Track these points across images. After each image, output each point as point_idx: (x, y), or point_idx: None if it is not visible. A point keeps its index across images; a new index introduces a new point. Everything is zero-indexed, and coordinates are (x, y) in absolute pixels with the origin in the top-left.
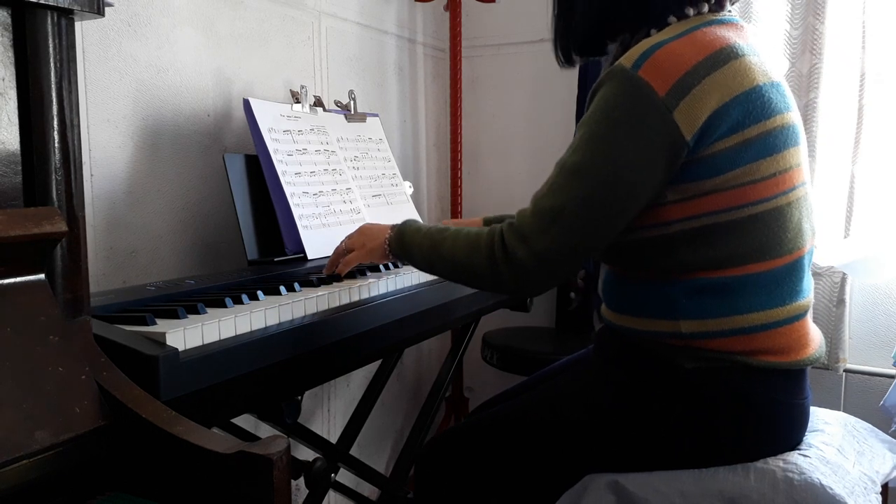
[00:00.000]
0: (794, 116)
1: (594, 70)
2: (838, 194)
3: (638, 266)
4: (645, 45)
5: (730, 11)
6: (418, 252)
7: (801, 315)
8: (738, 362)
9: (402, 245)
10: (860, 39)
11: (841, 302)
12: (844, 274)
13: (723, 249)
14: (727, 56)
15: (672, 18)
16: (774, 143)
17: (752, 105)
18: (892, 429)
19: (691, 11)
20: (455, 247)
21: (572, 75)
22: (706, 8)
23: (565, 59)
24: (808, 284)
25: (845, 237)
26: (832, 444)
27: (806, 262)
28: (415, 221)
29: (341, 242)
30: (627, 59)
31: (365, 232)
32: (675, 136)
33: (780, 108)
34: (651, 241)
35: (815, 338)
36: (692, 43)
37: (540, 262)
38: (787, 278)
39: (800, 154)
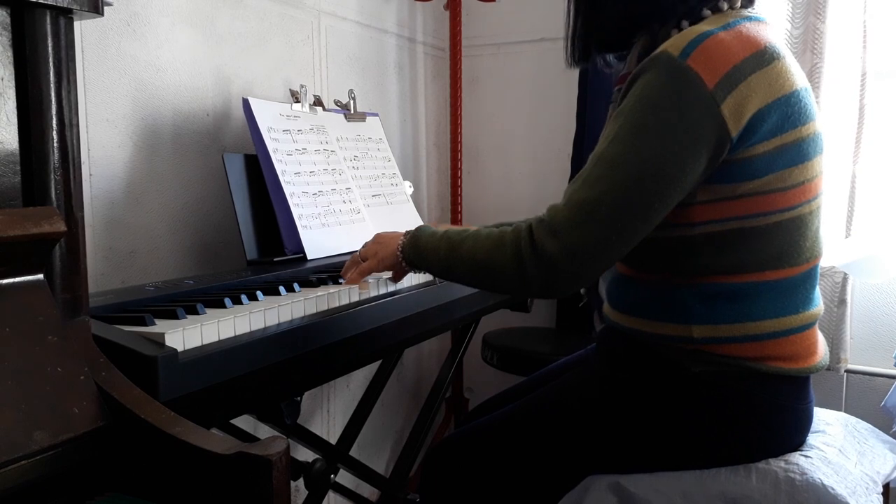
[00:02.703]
0: (821, 124)
1: (595, 69)
2: (839, 194)
3: (653, 267)
4: (691, 33)
5: (754, 11)
6: (434, 256)
7: (811, 324)
8: (746, 367)
9: (416, 250)
10: (861, 39)
11: (842, 302)
12: (845, 274)
13: (743, 255)
14: (771, 56)
15: (707, 11)
16: (807, 150)
17: (791, 109)
18: (894, 429)
19: (725, 6)
20: (476, 246)
21: (572, 75)
22: (738, 3)
23: (582, 56)
24: (819, 293)
25: (846, 237)
26: (834, 445)
27: (818, 271)
28: (429, 227)
29: (357, 252)
30: (674, 48)
31: (378, 240)
32: (722, 130)
33: (813, 114)
34: (672, 241)
35: (822, 345)
36: (738, 37)
37: (571, 259)
38: (802, 286)
39: (822, 163)
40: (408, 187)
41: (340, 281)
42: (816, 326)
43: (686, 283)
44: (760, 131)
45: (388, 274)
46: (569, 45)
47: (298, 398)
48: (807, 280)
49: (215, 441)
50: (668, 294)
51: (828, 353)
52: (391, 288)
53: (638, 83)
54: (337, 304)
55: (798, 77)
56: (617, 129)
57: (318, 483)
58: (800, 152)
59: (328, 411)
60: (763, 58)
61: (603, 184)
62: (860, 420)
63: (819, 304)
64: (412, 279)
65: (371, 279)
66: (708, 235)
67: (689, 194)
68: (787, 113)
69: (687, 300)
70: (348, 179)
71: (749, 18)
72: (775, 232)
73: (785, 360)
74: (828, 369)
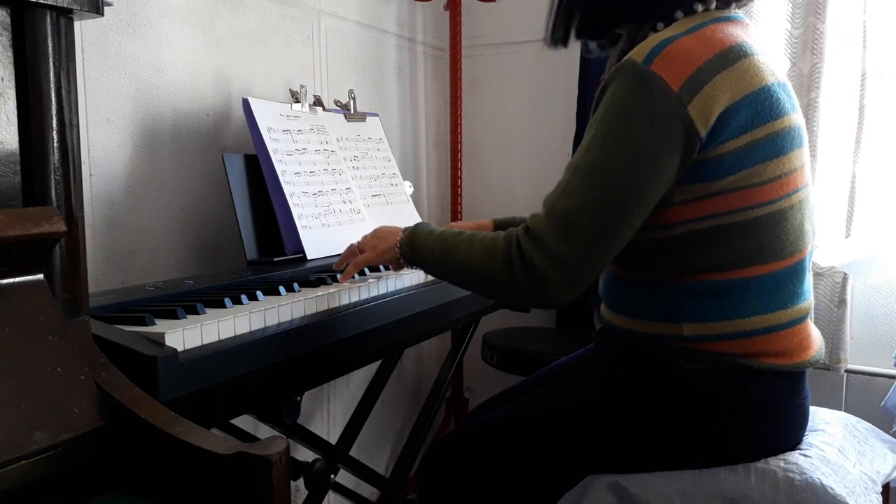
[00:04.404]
0: (798, 118)
1: (595, 69)
2: (839, 194)
3: (640, 267)
4: (655, 39)
5: (736, 11)
6: (429, 256)
7: (802, 318)
8: (739, 364)
9: (413, 247)
10: (861, 39)
11: (842, 302)
12: (845, 274)
13: (725, 252)
14: (737, 54)
15: (679, 13)
16: (781, 144)
17: (761, 105)
18: (893, 429)
19: (699, 7)
20: (470, 252)
21: (572, 75)
22: (713, 4)
23: (561, 38)
24: (809, 287)
25: (846, 237)
26: (833, 445)
27: (807, 264)
28: (428, 224)
29: (355, 243)
30: (638, 55)
31: (378, 234)
32: (690, 130)
33: (787, 108)
34: (654, 242)
35: (816, 340)
36: (702, 39)
37: (560, 269)
38: (789, 281)
39: (803, 156)
40: (408, 187)
41: (338, 276)
42: (808, 321)
43: (673, 281)
44: (730, 129)
45: (390, 273)
46: (550, 24)
47: (298, 398)
48: (794, 275)
49: (215, 441)
50: (657, 293)
51: (823, 347)
52: (391, 287)
53: (607, 92)
54: (337, 304)
55: (769, 73)
56: (590, 138)
57: (318, 483)
58: (773, 147)
59: (328, 411)
60: (728, 57)
61: (581, 193)
62: (860, 420)
63: (809, 298)
64: (413, 279)
65: (371, 279)
66: (688, 234)
67: (665, 196)
68: (756, 109)
69: (676, 299)
70: (348, 179)
71: (719, 19)
72: (755, 227)
73: (777, 356)
74: (828, 369)
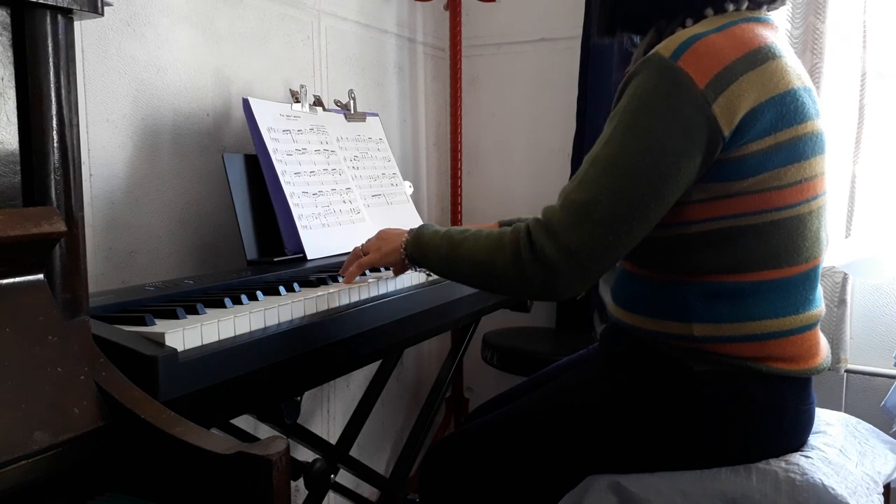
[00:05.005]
0: (822, 124)
1: (595, 69)
2: (839, 194)
3: (653, 265)
4: (683, 35)
5: (767, 13)
6: (435, 254)
7: (812, 325)
8: (747, 367)
9: (419, 247)
10: (861, 39)
11: (842, 302)
12: (845, 274)
13: (740, 254)
14: (765, 56)
15: (709, 10)
16: (803, 149)
17: (786, 108)
18: (894, 429)
19: (730, 6)
20: (476, 247)
21: (572, 75)
22: (745, 5)
23: (605, 30)
24: (820, 294)
25: (846, 237)
26: (834, 445)
27: (819, 271)
28: (433, 225)
29: (359, 245)
30: (665, 49)
31: (382, 236)
32: (714, 129)
33: (812, 114)
34: (670, 239)
35: (824, 348)
36: (731, 38)
37: (570, 260)
38: (801, 287)
39: (824, 163)
40: (408, 187)
41: (339, 278)
42: (818, 328)
43: (686, 280)
44: (754, 130)
45: (390, 273)
46: (596, 17)
47: (298, 398)
48: (807, 280)
49: (215, 441)
50: (669, 291)
51: (830, 355)
52: (391, 288)
53: (631, 84)
54: (337, 304)
55: (796, 77)
56: (611, 130)
57: (318, 483)
58: (796, 151)
59: (328, 411)
60: (756, 58)
61: (599, 185)
62: (861, 420)
63: (820, 305)
64: (413, 279)
65: (372, 279)
66: (704, 234)
67: (684, 193)
68: (781, 112)
69: (687, 298)
70: (348, 179)
71: (749, 19)
72: (772, 231)
73: (786, 360)
74: (828, 369)
